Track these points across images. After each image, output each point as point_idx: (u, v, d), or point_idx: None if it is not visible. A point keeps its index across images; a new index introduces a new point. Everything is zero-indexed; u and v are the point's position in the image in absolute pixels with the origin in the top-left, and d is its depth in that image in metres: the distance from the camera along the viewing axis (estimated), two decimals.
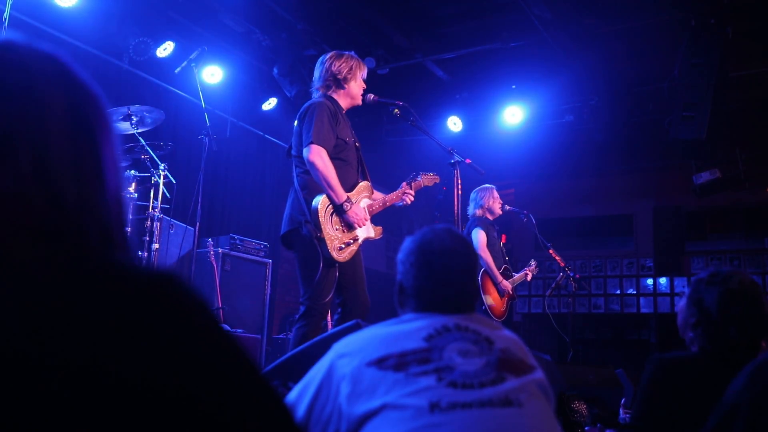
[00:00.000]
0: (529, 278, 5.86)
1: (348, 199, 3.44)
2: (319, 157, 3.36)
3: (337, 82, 3.61)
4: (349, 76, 3.61)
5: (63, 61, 0.74)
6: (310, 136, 3.40)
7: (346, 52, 3.69)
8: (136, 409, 0.56)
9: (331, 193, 3.38)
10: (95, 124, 0.74)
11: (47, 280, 0.60)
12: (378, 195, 3.80)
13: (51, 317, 0.57)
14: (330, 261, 3.39)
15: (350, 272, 3.52)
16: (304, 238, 3.40)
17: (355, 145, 3.69)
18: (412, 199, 3.87)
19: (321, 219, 3.37)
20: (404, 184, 3.89)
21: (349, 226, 3.48)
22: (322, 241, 3.36)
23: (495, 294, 5.42)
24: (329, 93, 3.62)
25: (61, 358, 0.56)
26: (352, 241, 3.50)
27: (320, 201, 3.40)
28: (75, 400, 0.55)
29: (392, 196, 3.82)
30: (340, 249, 3.43)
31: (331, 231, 3.41)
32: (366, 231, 3.62)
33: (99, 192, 0.71)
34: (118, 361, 0.57)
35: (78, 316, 0.58)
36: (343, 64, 3.61)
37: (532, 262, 5.92)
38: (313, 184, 3.46)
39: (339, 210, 3.43)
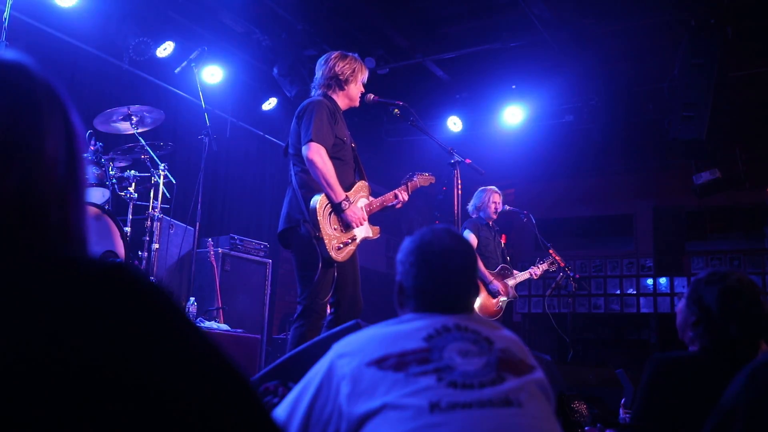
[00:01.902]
0: (536, 276, 5.83)
1: (346, 198, 3.42)
2: (318, 154, 3.35)
3: (339, 82, 3.61)
4: (351, 78, 3.62)
5: (63, 94, 0.77)
6: (309, 134, 3.39)
7: (351, 54, 3.69)
8: (91, 391, 0.58)
9: (330, 192, 3.37)
10: (81, 157, 0.78)
11: (16, 275, 0.63)
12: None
13: (17, 306, 0.60)
14: (329, 261, 3.38)
15: (347, 272, 3.52)
16: (303, 237, 3.38)
17: (351, 146, 3.68)
18: (405, 199, 3.87)
19: (319, 218, 3.36)
20: (402, 185, 3.91)
21: (346, 226, 3.47)
22: (320, 240, 3.34)
23: (484, 294, 5.45)
24: (329, 93, 3.62)
25: (22, 340, 0.58)
26: (350, 240, 3.49)
27: (318, 200, 3.39)
28: (32, 382, 0.56)
29: (389, 197, 3.81)
30: (339, 249, 3.42)
31: (330, 230, 3.39)
32: (364, 231, 3.62)
33: (77, 217, 0.76)
34: (73, 343, 0.59)
35: (38, 303, 0.61)
36: (347, 66, 3.61)
37: (546, 259, 5.86)
38: (312, 182, 3.45)
39: (337, 209, 3.42)
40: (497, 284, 5.50)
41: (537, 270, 5.80)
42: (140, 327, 0.63)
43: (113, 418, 0.57)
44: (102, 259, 0.69)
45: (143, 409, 0.59)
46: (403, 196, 3.86)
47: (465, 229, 5.51)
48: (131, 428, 0.58)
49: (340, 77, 3.60)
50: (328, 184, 3.36)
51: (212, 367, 0.66)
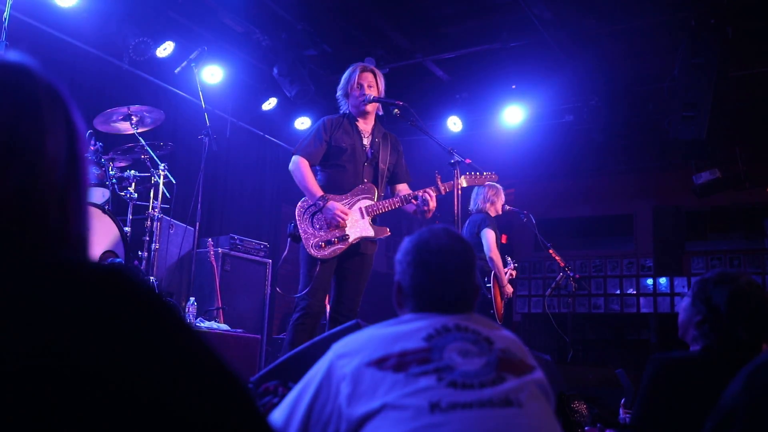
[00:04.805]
0: (512, 276, 5.73)
1: (321, 198, 3.63)
2: (294, 164, 3.76)
3: (343, 98, 3.93)
4: (348, 87, 3.87)
5: (65, 96, 0.76)
6: (293, 148, 3.85)
7: (350, 66, 3.93)
8: (85, 394, 0.58)
9: (307, 194, 3.70)
10: (83, 159, 0.78)
11: (12, 278, 0.63)
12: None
13: (11, 309, 0.60)
14: (310, 258, 3.62)
15: (327, 273, 3.65)
16: (288, 237, 3.73)
17: (366, 151, 3.82)
18: (429, 199, 3.73)
19: (298, 219, 3.68)
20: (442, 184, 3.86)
21: (332, 224, 3.64)
22: (298, 239, 3.65)
23: (498, 299, 5.37)
24: (343, 109, 3.93)
25: (15, 344, 0.58)
26: (335, 239, 3.63)
27: (299, 202, 3.73)
28: (26, 386, 0.56)
29: (404, 198, 3.79)
30: (319, 246, 3.62)
31: (309, 229, 3.65)
32: (360, 230, 3.71)
33: (78, 219, 0.76)
34: (67, 347, 0.59)
35: (33, 307, 0.61)
36: (343, 80, 3.91)
37: (510, 264, 5.72)
38: None
39: (315, 208, 3.66)
40: (510, 288, 5.45)
41: (512, 272, 5.67)
42: (135, 330, 0.63)
43: (108, 421, 0.57)
44: (98, 262, 0.68)
45: (138, 413, 0.59)
46: (425, 198, 3.72)
47: (486, 227, 5.29)
48: (126, 431, 0.58)
49: (340, 92, 3.92)
50: (303, 188, 3.72)
51: (208, 371, 0.66)
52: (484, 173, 4.10)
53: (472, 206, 5.59)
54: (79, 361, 0.58)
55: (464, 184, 3.92)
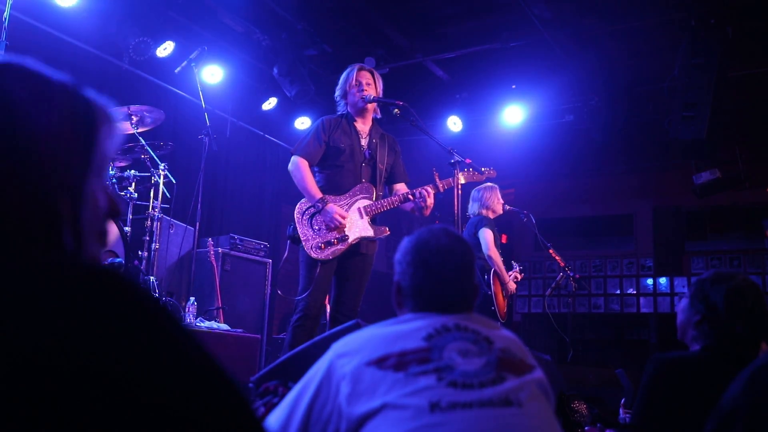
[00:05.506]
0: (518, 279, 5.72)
1: (320, 200, 3.63)
2: (293, 165, 3.76)
3: (341, 98, 3.92)
4: (346, 87, 3.86)
5: (67, 93, 0.76)
6: (293, 148, 3.86)
7: (348, 67, 3.92)
8: (77, 396, 0.58)
9: (306, 195, 3.69)
10: (85, 157, 0.77)
11: (8, 278, 0.63)
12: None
13: (7, 309, 0.60)
14: (310, 260, 3.61)
15: (327, 275, 3.65)
16: (288, 239, 3.74)
17: (364, 152, 3.80)
18: (426, 196, 3.71)
19: (297, 220, 3.68)
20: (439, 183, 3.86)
21: (330, 227, 3.65)
22: (297, 240, 3.65)
23: (500, 296, 5.36)
24: (342, 109, 3.93)
25: (13, 344, 0.58)
26: (335, 239, 3.63)
27: (298, 204, 3.73)
28: (22, 385, 0.56)
29: (401, 197, 3.79)
30: (319, 248, 3.61)
31: (308, 231, 3.65)
32: (359, 230, 3.71)
33: (93, 218, 0.76)
34: (58, 348, 0.59)
35: (27, 308, 0.61)
36: (342, 79, 3.90)
37: (516, 267, 5.68)
38: None
39: (314, 210, 3.66)
40: (513, 286, 5.43)
41: (518, 275, 5.65)
42: (128, 332, 0.62)
43: (102, 422, 0.57)
44: (94, 264, 0.68)
45: (131, 414, 0.58)
46: (423, 194, 3.71)
47: (483, 227, 5.27)
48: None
49: (339, 92, 3.91)
50: (303, 189, 3.70)
51: (202, 372, 0.66)
52: (482, 169, 4.09)
53: (470, 212, 5.59)
54: (72, 363, 0.58)
55: (462, 181, 3.92)
